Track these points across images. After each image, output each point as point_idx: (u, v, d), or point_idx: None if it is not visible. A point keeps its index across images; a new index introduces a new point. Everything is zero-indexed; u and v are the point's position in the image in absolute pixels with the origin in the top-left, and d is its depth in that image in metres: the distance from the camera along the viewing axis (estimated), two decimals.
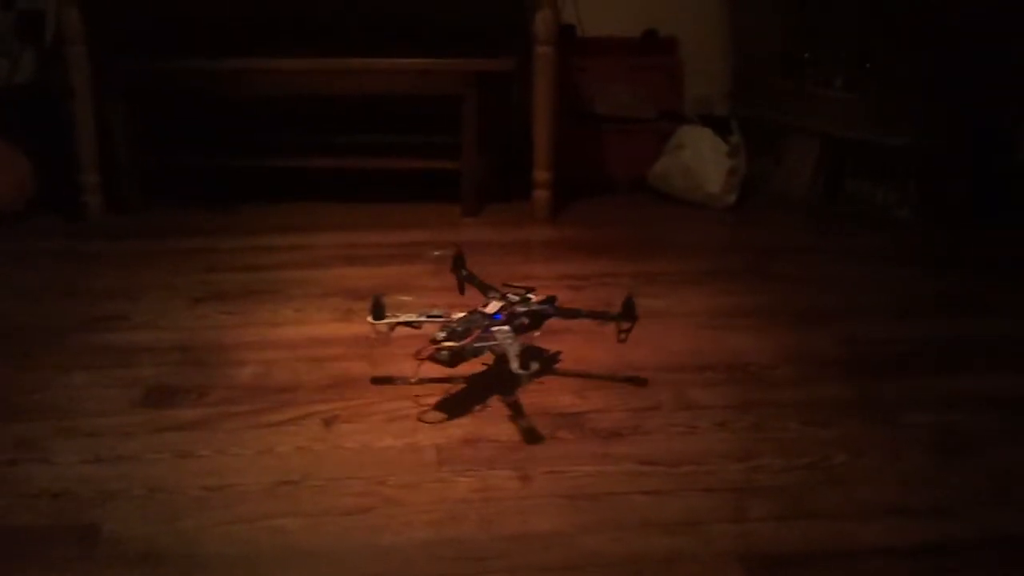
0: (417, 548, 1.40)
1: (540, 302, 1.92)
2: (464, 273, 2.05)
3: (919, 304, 2.33)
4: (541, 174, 2.79)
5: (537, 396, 1.83)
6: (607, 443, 1.69)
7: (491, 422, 1.74)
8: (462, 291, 2.04)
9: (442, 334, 1.72)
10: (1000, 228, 2.86)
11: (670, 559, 1.39)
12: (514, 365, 1.69)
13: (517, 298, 1.90)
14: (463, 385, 1.86)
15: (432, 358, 1.71)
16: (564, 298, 2.29)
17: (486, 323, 1.78)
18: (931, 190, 2.90)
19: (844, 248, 2.71)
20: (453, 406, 1.79)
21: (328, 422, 1.74)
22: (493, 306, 1.84)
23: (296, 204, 2.94)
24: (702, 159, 3.02)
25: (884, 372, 1.98)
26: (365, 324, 2.11)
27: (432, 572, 1.35)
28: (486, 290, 1.95)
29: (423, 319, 1.85)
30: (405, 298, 1.97)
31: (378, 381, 1.89)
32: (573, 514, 1.49)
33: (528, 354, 1.78)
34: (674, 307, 2.26)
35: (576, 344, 2.05)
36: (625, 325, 1.86)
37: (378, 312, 1.84)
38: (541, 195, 2.80)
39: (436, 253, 2.05)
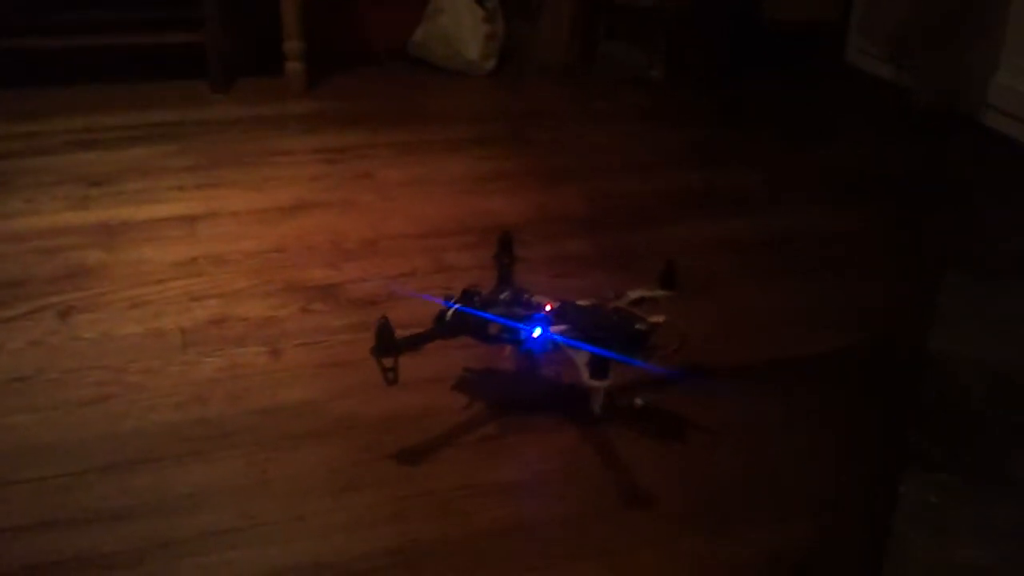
0: (161, 430, 1.36)
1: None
2: (505, 261, 1.56)
3: (665, 160, 2.42)
4: (292, 44, 2.67)
5: (292, 271, 1.80)
6: (362, 311, 1.68)
7: (240, 301, 1.69)
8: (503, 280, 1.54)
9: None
10: (746, 85, 3.01)
11: (422, 414, 1.42)
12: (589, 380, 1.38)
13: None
14: (211, 272, 1.80)
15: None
16: (319, 171, 2.25)
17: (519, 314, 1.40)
18: (680, 50, 3.00)
19: (598, 110, 2.77)
20: (201, 288, 1.73)
21: (63, 314, 1.64)
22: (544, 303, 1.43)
23: (26, 88, 2.69)
24: (460, 25, 2.98)
25: (629, 224, 2.06)
26: (103, 211, 2.01)
27: (177, 452, 1.32)
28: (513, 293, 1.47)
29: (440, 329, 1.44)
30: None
31: (117, 268, 1.79)
32: (325, 382, 1.49)
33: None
34: (432, 175, 2.25)
35: (330, 216, 2.02)
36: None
37: (385, 342, 1.32)
38: (293, 67, 2.69)
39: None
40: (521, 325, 1.39)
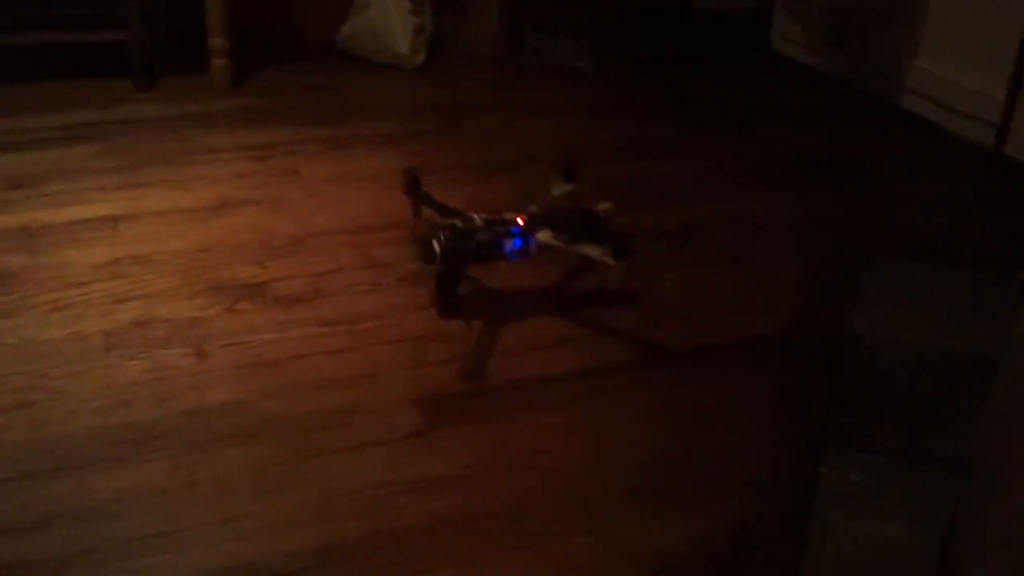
0: (84, 435, 1.34)
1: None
2: (418, 196, 1.77)
3: (596, 151, 2.44)
4: (216, 40, 2.63)
5: (217, 271, 1.78)
6: (289, 310, 1.67)
7: (164, 302, 1.67)
8: (417, 214, 1.77)
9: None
10: (674, 74, 3.04)
11: (349, 411, 1.42)
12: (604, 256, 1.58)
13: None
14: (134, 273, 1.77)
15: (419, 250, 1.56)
16: (245, 169, 2.23)
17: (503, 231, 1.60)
18: (608, 41, 3.02)
19: (528, 102, 2.77)
20: (124, 290, 1.70)
21: None
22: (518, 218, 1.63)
23: None
24: (388, 18, 2.96)
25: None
26: (25, 213, 1.97)
27: (101, 457, 1.31)
28: (446, 213, 1.70)
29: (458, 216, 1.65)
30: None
31: (39, 272, 1.76)
32: (252, 382, 1.48)
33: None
34: (360, 170, 2.24)
35: (257, 214, 2.00)
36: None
37: (413, 185, 1.74)
38: (219, 63, 2.65)
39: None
40: (519, 238, 1.61)
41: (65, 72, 2.73)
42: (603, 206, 1.68)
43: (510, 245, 1.60)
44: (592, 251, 1.62)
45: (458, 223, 1.60)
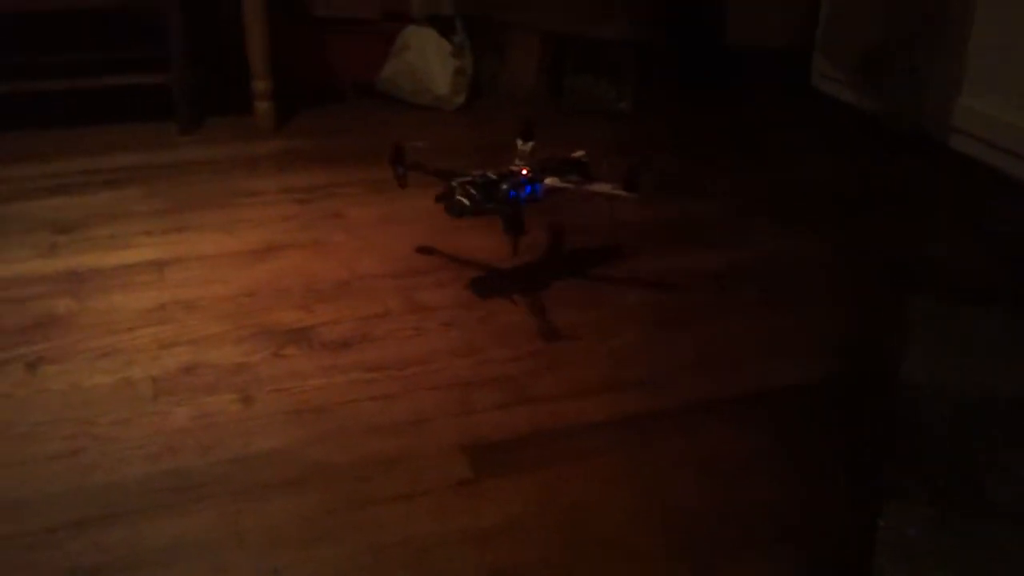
0: (132, 483, 1.34)
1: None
2: (401, 171, 1.97)
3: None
4: (259, 84, 2.67)
5: (263, 315, 1.78)
6: (335, 354, 1.67)
7: (211, 347, 1.68)
8: (403, 186, 1.98)
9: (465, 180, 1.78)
10: (714, 113, 3.03)
11: (396, 459, 1.41)
12: (617, 190, 1.78)
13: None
14: (181, 318, 1.78)
15: (448, 205, 1.79)
16: (289, 212, 2.25)
17: (514, 181, 1.82)
18: (647, 82, 3.02)
19: (566, 143, 2.75)
20: (171, 335, 1.71)
21: (32, 365, 1.62)
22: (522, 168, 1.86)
23: None
24: (428, 60, 2.99)
25: (600, 257, 2.07)
26: (72, 258, 1.99)
27: (149, 505, 1.30)
28: (443, 175, 1.88)
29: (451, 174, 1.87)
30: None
31: (86, 317, 1.77)
32: (298, 429, 1.47)
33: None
34: (402, 212, 2.25)
35: (302, 257, 2.01)
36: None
37: (398, 156, 1.95)
38: (262, 106, 2.69)
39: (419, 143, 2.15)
40: (529, 185, 1.84)
41: (110, 115, 2.78)
42: (578, 153, 1.95)
43: (523, 192, 1.82)
44: (604, 187, 1.82)
45: (476, 177, 1.80)
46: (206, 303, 1.82)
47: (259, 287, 1.88)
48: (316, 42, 3.07)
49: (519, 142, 1.90)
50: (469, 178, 1.79)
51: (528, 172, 1.83)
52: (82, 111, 2.76)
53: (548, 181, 1.84)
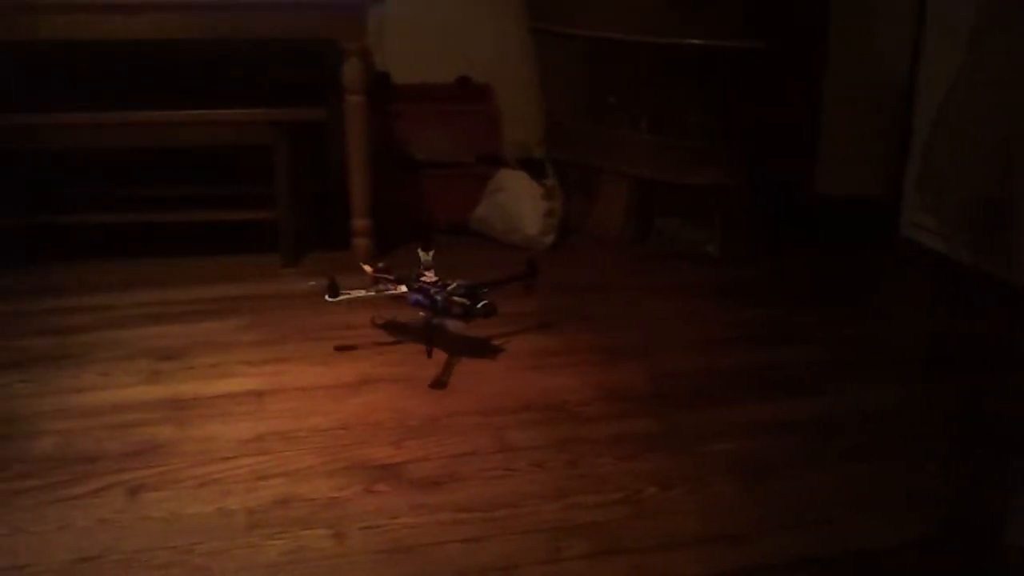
0: None
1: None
2: (342, 296, 2.27)
3: (723, 337, 2.43)
4: (360, 222, 2.78)
5: (356, 449, 1.81)
6: (424, 493, 1.68)
7: (305, 480, 1.70)
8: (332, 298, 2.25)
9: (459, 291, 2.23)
10: (801, 261, 3.04)
11: None
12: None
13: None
14: (277, 449, 1.82)
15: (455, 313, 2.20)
16: (384, 345, 2.30)
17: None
18: (735, 227, 3.06)
19: (655, 286, 2.81)
20: (267, 466, 1.75)
21: (133, 491, 1.67)
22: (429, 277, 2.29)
23: (106, 262, 2.82)
24: (519, 202, 3.08)
25: (690, 404, 2.06)
26: (174, 385, 2.06)
27: None
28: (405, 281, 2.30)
29: (384, 288, 2.33)
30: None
31: (187, 445, 1.82)
32: (388, 568, 1.48)
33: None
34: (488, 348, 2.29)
35: (393, 393, 2.05)
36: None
37: (333, 290, 2.23)
38: (361, 242, 2.79)
39: (310, 283, 2.42)
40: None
41: (216, 247, 2.90)
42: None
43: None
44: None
45: (447, 282, 2.26)
46: (301, 435, 1.86)
47: (352, 420, 1.92)
48: (414, 183, 3.19)
49: (420, 253, 2.32)
50: (442, 282, 2.23)
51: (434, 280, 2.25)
52: (189, 243, 2.90)
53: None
